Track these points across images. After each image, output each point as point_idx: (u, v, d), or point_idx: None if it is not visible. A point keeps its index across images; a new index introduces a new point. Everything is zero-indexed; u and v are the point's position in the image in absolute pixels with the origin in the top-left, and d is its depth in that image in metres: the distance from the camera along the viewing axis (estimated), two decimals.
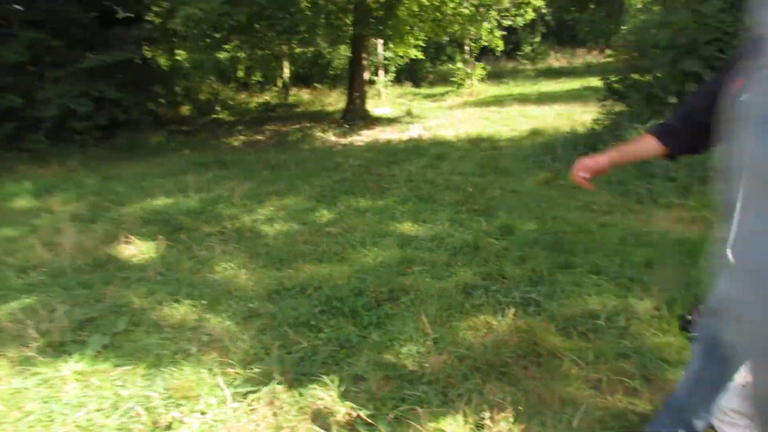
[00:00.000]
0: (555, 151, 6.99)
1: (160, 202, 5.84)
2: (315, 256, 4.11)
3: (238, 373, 2.60)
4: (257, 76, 18.04)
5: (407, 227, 4.69)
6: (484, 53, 19.02)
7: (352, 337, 2.91)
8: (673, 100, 6.15)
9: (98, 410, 2.42)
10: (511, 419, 2.22)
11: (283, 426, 2.23)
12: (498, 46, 14.25)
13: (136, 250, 4.42)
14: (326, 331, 3.00)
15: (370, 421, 2.25)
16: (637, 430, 2.15)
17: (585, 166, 1.96)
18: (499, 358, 2.66)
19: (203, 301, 3.42)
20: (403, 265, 3.84)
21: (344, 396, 2.41)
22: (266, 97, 16.49)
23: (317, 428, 2.21)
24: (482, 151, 8.05)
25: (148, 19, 11.03)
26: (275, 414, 2.32)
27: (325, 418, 2.28)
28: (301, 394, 2.44)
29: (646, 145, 1.96)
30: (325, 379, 2.53)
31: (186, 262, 4.14)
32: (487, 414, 2.22)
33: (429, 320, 2.98)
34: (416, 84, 20.06)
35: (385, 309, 3.21)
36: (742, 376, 2.23)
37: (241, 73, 18.01)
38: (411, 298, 3.33)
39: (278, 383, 2.50)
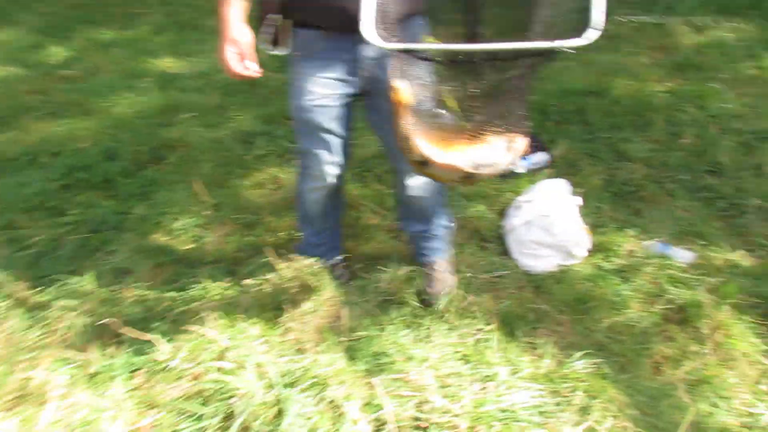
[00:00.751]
0: None
1: None
2: (47, 110, 3.28)
3: None
4: None
5: (167, 63, 3.92)
6: None
7: (109, 217, 2.35)
8: None
9: None
10: (317, 294, 1.93)
11: (18, 359, 1.69)
12: None
13: None
14: (72, 213, 2.39)
15: (140, 333, 1.79)
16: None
17: (241, 62, 1.52)
18: (293, 220, 2.31)
19: None
20: (166, 114, 3.20)
21: (106, 301, 1.91)
22: None
23: (71, 352, 1.71)
24: None
25: None
26: (9, 338, 1.76)
27: (81, 333, 1.78)
28: (45, 307, 1.89)
29: None
30: (76, 279, 1.99)
31: None
32: (286, 293, 1.91)
33: (204, 183, 2.50)
34: None
35: (149, 174, 2.65)
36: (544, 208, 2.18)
37: None
38: (180, 157, 2.78)
39: (8, 297, 1.90)
